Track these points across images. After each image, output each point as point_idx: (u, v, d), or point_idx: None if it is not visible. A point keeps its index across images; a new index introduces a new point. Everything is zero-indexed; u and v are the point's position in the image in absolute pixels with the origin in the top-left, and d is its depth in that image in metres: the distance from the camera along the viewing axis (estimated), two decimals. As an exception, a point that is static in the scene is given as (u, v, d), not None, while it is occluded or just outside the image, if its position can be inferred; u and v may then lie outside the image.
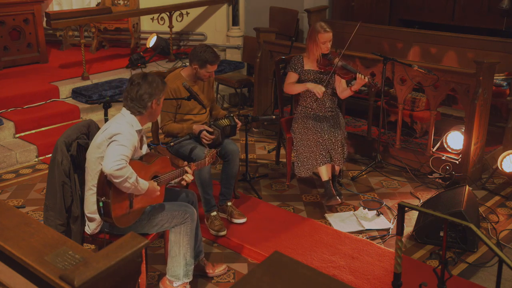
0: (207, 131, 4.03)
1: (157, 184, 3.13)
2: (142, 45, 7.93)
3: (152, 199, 3.12)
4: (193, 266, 3.36)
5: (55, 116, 5.88)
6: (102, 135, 3.01)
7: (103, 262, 1.63)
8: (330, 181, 4.44)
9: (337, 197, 4.37)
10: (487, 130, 4.97)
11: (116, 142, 2.91)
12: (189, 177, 3.31)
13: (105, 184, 2.87)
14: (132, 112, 3.09)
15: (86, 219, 3.17)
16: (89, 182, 3.07)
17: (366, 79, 4.37)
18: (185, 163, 3.39)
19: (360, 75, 4.37)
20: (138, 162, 3.04)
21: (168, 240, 3.31)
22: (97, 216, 3.07)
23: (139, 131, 3.10)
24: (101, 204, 2.89)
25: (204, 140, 4.03)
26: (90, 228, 3.16)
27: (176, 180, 3.31)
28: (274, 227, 4.18)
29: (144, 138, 3.25)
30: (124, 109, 3.12)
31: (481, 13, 7.02)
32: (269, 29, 6.51)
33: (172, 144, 3.90)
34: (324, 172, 4.41)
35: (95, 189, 2.97)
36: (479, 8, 7.02)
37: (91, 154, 3.05)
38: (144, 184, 2.98)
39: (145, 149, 3.22)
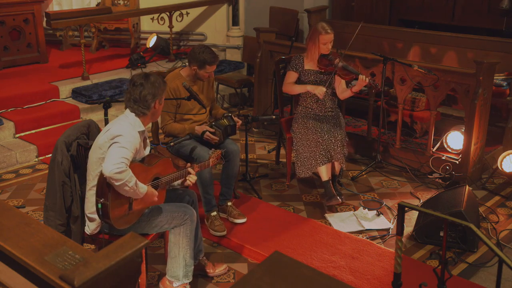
0: (210, 132, 4.04)
1: (158, 186, 3.12)
2: (142, 45, 7.93)
3: (152, 201, 3.12)
4: (192, 267, 3.36)
5: (55, 116, 5.89)
6: (104, 135, 3.00)
7: (103, 262, 1.63)
8: (330, 181, 4.44)
9: (338, 197, 4.37)
10: (487, 130, 4.97)
11: (118, 144, 2.89)
12: (192, 178, 3.31)
13: (105, 185, 2.86)
14: (136, 114, 3.08)
15: (86, 218, 3.17)
16: (90, 182, 3.07)
17: (367, 81, 4.36)
18: (188, 164, 3.38)
19: (361, 76, 4.37)
20: (139, 165, 3.03)
21: (168, 241, 3.32)
22: (97, 216, 3.07)
23: (142, 132, 3.09)
24: (99, 205, 2.89)
25: (209, 140, 4.03)
26: (90, 228, 3.16)
27: (179, 181, 3.31)
28: (274, 227, 4.18)
29: (147, 140, 3.24)
30: (127, 110, 3.10)
31: (481, 13, 7.01)
32: (269, 29, 6.51)
33: (172, 144, 3.90)
34: (324, 172, 4.41)
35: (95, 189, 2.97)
36: (479, 8, 7.02)
37: (93, 154, 3.04)
38: (142, 188, 2.97)
39: (148, 150, 3.21)
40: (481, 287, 3.52)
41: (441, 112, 5.50)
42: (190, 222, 3.24)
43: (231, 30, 7.83)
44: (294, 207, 4.55)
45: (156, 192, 3.08)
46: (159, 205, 3.19)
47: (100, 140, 3.01)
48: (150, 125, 4.62)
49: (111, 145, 2.91)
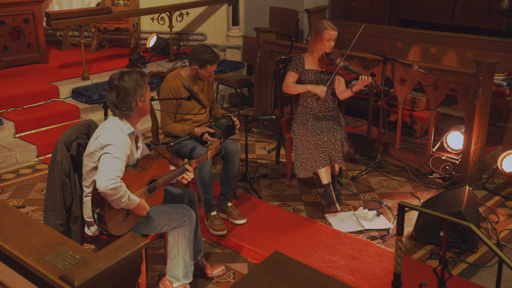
0: (209, 133, 4.03)
1: (156, 188, 3.11)
2: (142, 45, 7.93)
3: (149, 203, 3.10)
4: (192, 267, 3.35)
5: (55, 116, 5.88)
6: (94, 144, 2.94)
7: (103, 262, 1.63)
8: (331, 185, 4.43)
9: (337, 205, 4.37)
10: (487, 130, 4.97)
11: (109, 155, 2.84)
12: (189, 175, 3.27)
13: (99, 196, 2.84)
14: (119, 117, 3.01)
15: (85, 222, 3.17)
16: (87, 189, 3.06)
17: (369, 80, 4.36)
18: (185, 160, 3.36)
19: (362, 76, 4.36)
20: (132, 172, 2.99)
21: (167, 241, 3.31)
22: None
23: (132, 134, 3.03)
24: (95, 216, 2.88)
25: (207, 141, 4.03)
26: (91, 230, 3.16)
27: (178, 177, 3.29)
28: (274, 227, 4.18)
29: (140, 139, 3.19)
30: (112, 115, 3.04)
31: (481, 13, 7.01)
32: (269, 29, 6.51)
33: (172, 144, 3.90)
34: (324, 175, 4.41)
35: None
36: (479, 8, 7.02)
37: (86, 161, 3.02)
38: (135, 201, 2.94)
39: (140, 152, 3.15)
40: (481, 287, 3.52)
41: (441, 112, 5.49)
42: (189, 223, 3.23)
43: (231, 30, 7.83)
44: (294, 207, 4.55)
45: (147, 207, 3.05)
46: (157, 206, 3.18)
47: (91, 148, 2.96)
48: (150, 125, 4.63)
49: (102, 155, 2.86)
